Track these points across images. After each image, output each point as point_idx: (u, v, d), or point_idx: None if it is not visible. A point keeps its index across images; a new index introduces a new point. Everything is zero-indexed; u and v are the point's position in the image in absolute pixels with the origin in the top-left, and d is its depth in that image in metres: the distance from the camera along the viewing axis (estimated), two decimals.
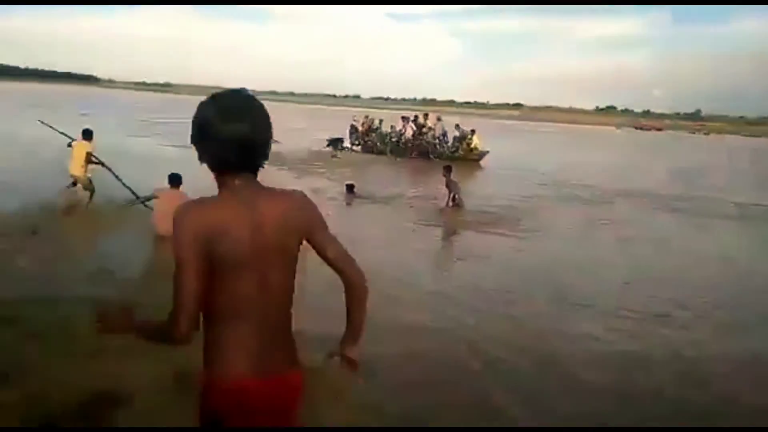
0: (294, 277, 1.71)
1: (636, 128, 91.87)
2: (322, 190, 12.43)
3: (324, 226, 1.73)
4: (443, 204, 11.13)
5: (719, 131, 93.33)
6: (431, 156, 20.18)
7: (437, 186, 12.01)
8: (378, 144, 22.02)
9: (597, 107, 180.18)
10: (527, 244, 9.01)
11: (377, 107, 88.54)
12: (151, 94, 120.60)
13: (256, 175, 1.66)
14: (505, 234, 9.50)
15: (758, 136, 77.63)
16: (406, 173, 17.66)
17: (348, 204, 11.80)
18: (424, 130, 21.35)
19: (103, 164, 9.24)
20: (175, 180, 7.35)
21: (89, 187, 9.18)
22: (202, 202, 1.60)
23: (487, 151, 20.81)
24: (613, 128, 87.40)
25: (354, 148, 22.37)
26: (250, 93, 1.69)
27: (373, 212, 11.20)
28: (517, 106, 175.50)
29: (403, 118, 22.14)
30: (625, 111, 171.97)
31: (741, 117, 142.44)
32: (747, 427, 3.90)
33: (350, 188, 12.33)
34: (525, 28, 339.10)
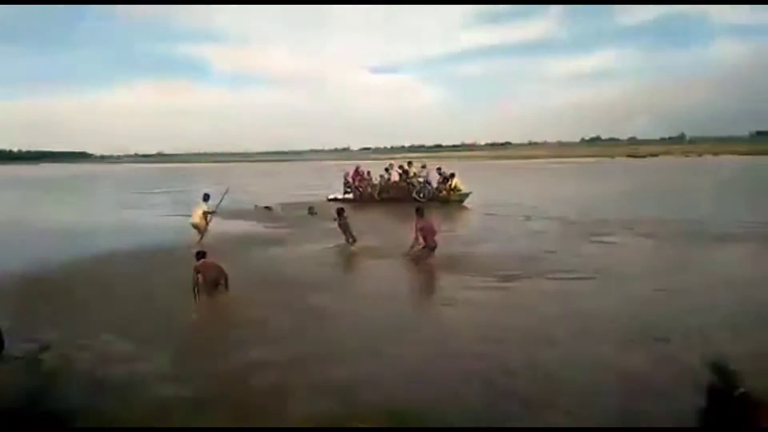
0: None
1: (629, 156, 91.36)
2: None
3: None
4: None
5: (708, 152, 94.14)
6: (416, 197, 21.63)
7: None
8: (369, 190, 23.52)
9: (582, 138, 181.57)
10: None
11: (366, 157, 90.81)
12: (142, 165, 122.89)
13: None
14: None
15: (746, 154, 78.93)
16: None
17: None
18: (410, 175, 22.93)
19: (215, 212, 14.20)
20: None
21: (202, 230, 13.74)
22: None
23: (470, 192, 22.18)
24: (609, 158, 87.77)
25: (347, 195, 23.80)
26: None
27: None
28: (507, 144, 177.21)
29: (388, 167, 23.92)
30: (611, 140, 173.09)
31: (727, 137, 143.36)
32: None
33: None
34: (502, 70, 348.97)
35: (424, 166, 23.38)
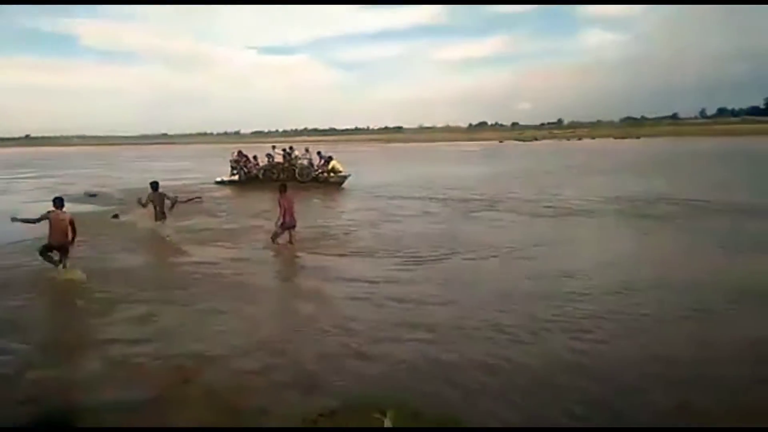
0: None
1: (517, 141, 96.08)
2: None
3: None
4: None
5: (586, 135, 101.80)
6: (298, 178, 22.90)
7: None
8: (254, 172, 24.24)
9: (470, 124, 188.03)
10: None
11: (255, 141, 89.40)
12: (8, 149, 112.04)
13: None
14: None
15: (622, 138, 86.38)
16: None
17: None
18: (293, 158, 24.02)
19: None
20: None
21: None
22: None
23: (349, 175, 23.48)
24: (497, 142, 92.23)
25: (233, 177, 24.52)
26: None
27: None
28: (398, 129, 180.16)
29: (271, 150, 24.88)
30: (496, 125, 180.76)
31: (597, 121, 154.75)
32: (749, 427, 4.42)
33: None
34: (393, 54, 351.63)
35: (307, 150, 24.40)
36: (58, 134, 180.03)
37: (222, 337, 6.26)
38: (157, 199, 11.91)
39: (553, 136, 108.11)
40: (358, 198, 19.38)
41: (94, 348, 6.04)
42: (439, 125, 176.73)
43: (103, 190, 22.86)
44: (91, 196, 20.61)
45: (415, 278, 8.68)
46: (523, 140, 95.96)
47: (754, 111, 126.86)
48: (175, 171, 34.43)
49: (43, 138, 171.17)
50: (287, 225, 10.90)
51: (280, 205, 10.90)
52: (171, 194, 12.34)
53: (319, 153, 24.17)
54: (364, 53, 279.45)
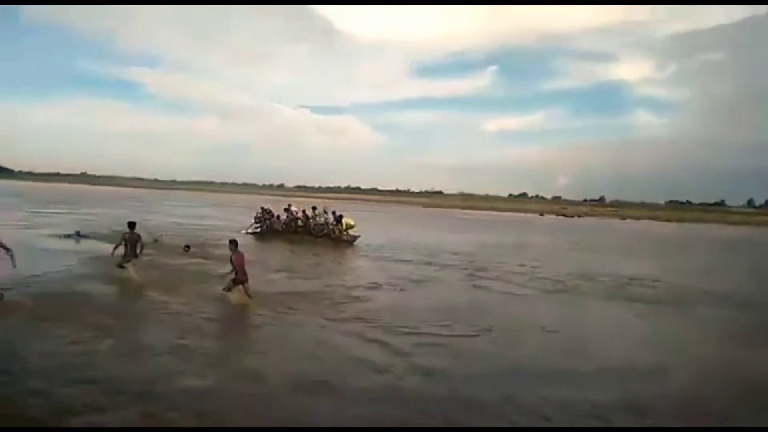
0: None
1: (557, 215, 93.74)
2: None
3: None
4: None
5: (629, 216, 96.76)
6: (313, 233, 25.25)
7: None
8: (275, 226, 26.38)
9: (510, 194, 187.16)
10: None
11: (298, 195, 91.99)
12: (64, 185, 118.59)
13: None
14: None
15: (667, 221, 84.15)
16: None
17: None
18: (311, 216, 26.06)
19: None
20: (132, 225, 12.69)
21: None
22: None
23: (358, 236, 24.72)
24: (538, 215, 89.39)
25: (256, 230, 26.55)
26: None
27: None
28: (438, 193, 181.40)
29: (286, 209, 27.14)
30: (537, 197, 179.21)
31: (641, 202, 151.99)
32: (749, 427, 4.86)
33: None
34: (438, 122, 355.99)
35: (325, 210, 26.12)
36: (115, 174, 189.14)
37: None
38: (130, 239, 12.60)
39: (596, 214, 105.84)
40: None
41: None
42: (480, 193, 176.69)
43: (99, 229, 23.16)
44: (79, 235, 20.85)
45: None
46: (564, 215, 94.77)
47: None
48: (201, 217, 36.21)
49: (100, 177, 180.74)
50: (239, 280, 11.12)
51: (231, 262, 11.17)
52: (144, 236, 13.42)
53: (333, 212, 25.74)
54: (410, 119, 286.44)
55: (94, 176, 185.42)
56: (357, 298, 12.55)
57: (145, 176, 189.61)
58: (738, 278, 19.47)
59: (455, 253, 22.66)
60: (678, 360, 8.97)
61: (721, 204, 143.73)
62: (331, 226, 25.00)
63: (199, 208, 52.47)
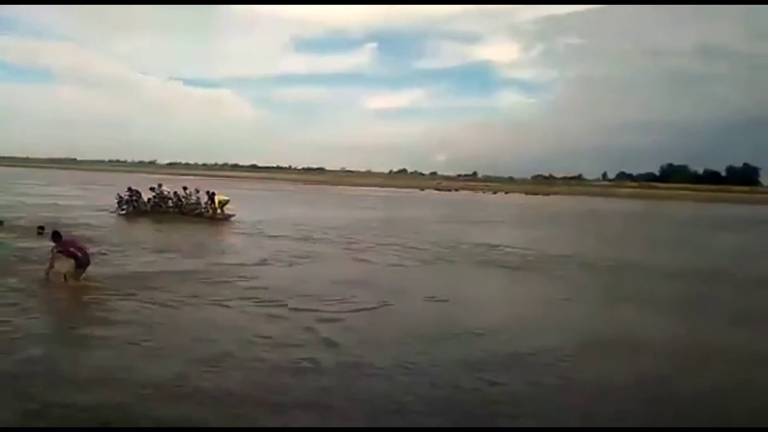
0: None
1: (436, 190, 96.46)
2: None
3: None
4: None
5: (500, 190, 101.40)
6: (184, 211, 24.84)
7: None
8: (143, 208, 25.07)
9: (391, 170, 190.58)
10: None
11: (170, 173, 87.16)
12: None
13: None
14: None
15: (534, 194, 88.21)
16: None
17: None
18: (182, 195, 25.47)
19: None
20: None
21: None
22: None
23: (233, 214, 24.52)
24: (419, 190, 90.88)
25: (121, 212, 24.88)
26: None
27: None
28: (320, 170, 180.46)
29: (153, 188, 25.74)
30: (415, 173, 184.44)
31: (509, 177, 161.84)
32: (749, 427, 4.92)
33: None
34: (319, 98, 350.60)
35: (197, 190, 25.65)
36: None
37: None
38: None
39: (469, 188, 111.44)
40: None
41: None
42: (361, 170, 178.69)
43: None
44: None
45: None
46: (441, 189, 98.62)
47: (650, 177, 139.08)
48: (58, 196, 33.62)
49: None
50: (83, 263, 10.59)
51: (68, 254, 10.48)
52: None
53: (207, 192, 25.10)
54: (290, 94, 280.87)
55: None
56: (242, 276, 12.34)
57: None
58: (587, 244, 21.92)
59: (333, 228, 23.01)
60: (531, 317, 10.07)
61: (579, 178, 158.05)
62: (204, 205, 24.52)
63: (58, 186, 48.22)
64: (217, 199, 24.31)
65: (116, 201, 25.12)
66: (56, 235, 10.86)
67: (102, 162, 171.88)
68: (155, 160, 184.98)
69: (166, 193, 25.43)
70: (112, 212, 24.60)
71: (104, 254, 13.60)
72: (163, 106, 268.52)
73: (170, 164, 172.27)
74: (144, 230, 20.71)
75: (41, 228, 16.02)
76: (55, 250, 10.47)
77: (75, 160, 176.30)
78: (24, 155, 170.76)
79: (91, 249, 12.07)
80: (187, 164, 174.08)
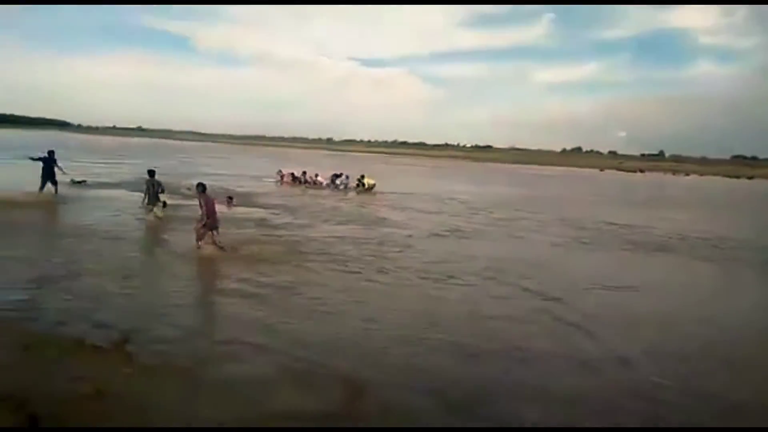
0: None
1: (618, 170, 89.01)
2: None
3: None
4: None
5: (693, 172, 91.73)
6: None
7: None
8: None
9: (563, 149, 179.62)
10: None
11: (347, 149, 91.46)
12: (120, 138, 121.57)
13: None
14: None
15: (732, 177, 78.64)
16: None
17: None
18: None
19: None
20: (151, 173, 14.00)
21: None
22: None
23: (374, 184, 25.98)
24: (598, 171, 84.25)
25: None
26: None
27: None
28: (488, 147, 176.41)
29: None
30: (591, 152, 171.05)
31: (702, 157, 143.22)
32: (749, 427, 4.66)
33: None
34: (487, 73, 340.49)
35: (347, 176, 26.77)
36: (168, 128, 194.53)
37: None
38: (149, 185, 13.83)
39: (659, 169, 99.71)
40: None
41: None
42: (532, 147, 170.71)
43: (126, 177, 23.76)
44: (78, 183, 20.32)
45: None
46: (624, 170, 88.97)
47: None
48: (237, 169, 36.82)
49: (153, 131, 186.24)
50: (210, 225, 10.49)
51: (201, 205, 10.48)
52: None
53: (357, 176, 26.63)
54: (458, 71, 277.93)
55: (150, 129, 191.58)
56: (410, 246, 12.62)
57: (198, 130, 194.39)
58: None
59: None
60: None
61: None
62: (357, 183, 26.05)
63: (249, 160, 52.69)
64: (366, 181, 25.72)
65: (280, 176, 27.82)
66: (201, 186, 10.63)
67: (285, 138, 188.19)
68: (332, 137, 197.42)
69: (310, 178, 27.05)
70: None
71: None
72: (341, 86, 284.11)
73: (345, 141, 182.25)
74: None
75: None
76: (201, 201, 10.43)
77: (263, 137, 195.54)
78: (220, 132, 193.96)
79: None
80: (360, 141, 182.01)
